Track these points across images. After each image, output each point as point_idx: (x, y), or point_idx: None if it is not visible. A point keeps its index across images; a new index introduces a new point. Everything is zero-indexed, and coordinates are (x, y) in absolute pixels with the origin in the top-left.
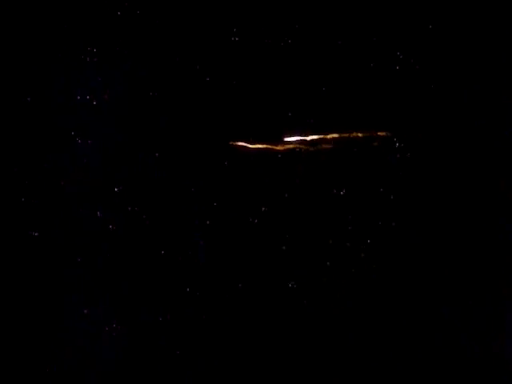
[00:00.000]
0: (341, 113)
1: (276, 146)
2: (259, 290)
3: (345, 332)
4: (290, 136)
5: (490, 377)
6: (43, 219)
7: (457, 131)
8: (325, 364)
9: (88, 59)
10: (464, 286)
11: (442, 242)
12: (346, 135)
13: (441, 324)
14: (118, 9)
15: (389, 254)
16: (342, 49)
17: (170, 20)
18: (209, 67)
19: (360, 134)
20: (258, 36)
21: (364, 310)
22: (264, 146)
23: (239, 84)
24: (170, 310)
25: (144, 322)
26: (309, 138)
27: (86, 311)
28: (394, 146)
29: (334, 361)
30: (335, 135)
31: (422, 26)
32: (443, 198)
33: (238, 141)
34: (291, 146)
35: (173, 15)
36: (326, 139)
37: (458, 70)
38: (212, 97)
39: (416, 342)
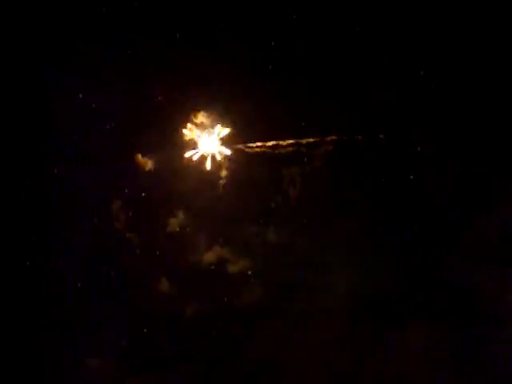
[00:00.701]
0: (340, 116)
1: (274, 148)
2: (255, 289)
3: None
4: (288, 139)
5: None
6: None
7: (455, 135)
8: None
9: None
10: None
11: (441, 243)
12: (346, 138)
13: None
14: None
15: (389, 254)
16: (340, 52)
17: (169, 22)
18: (209, 72)
19: (360, 137)
20: (259, 42)
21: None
22: (262, 149)
23: (238, 88)
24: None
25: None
26: (305, 140)
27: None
28: (393, 148)
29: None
30: (334, 138)
31: (418, 31)
32: (443, 199)
33: (236, 144)
34: (290, 148)
35: (172, 18)
36: (326, 141)
37: (457, 74)
38: (211, 101)
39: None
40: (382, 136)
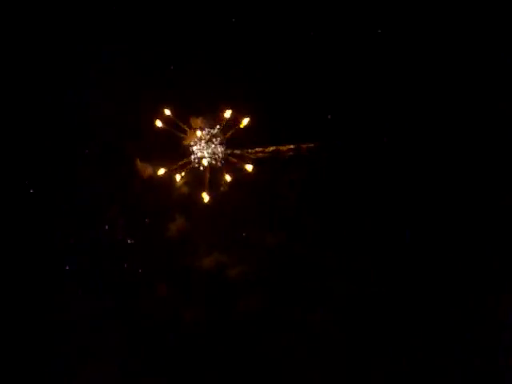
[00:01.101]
0: (341, 121)
1: (274, 153)
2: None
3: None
4: (288, 144)
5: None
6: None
7: (453, 137)
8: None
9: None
10: (460, 285)
11: (440, 245)
12: (346, 143)
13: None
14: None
15: (391, 254)
16: (341, 57)
17: (166, 27)
18: (209, 78)
19: (360, 142)
20: (260, 47)
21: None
22: (262, 154)
23: (238, 94)
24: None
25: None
26: (306, 145)
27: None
28: (394, 152)
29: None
30: (334, 143)
31: (417, 36)
32: (442, 202)
33: (236, 149)
34: (290, 153)
35: (170, 22)
36: (326, 147)
37: (452, 79)
38: (211, 106)
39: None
40: (383, 140)
